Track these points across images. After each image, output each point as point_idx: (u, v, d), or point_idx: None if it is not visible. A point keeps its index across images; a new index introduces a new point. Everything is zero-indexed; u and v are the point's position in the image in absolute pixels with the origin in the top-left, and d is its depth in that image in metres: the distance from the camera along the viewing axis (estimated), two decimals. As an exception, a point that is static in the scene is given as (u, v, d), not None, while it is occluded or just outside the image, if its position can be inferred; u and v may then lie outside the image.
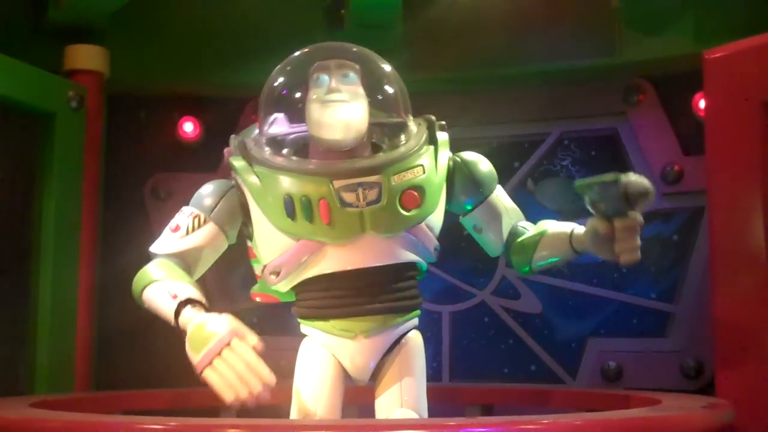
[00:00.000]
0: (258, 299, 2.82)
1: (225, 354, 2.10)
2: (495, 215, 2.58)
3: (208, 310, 2.24)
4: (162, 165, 4.29)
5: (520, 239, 2.56)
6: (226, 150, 2.52)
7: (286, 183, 2.35)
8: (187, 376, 4.02)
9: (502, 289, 4.13)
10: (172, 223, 2.44)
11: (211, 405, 3.69)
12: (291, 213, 2.33)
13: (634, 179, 2.23)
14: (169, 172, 4.26)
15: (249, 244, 2.53)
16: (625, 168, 4.00)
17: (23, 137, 3.70)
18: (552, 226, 2.54)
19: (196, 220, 2.40)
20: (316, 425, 2.16)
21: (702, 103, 3.56)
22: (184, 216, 2.43)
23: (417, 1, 4.01)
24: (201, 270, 2.46)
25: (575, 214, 4.14)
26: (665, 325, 3.91)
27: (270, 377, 2.11)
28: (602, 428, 2.18)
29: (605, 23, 3.89)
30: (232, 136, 2.53)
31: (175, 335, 4.07)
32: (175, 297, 2.24)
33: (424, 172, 2.40)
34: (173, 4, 4.14)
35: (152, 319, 4.10)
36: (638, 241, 2.28)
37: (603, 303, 4.06)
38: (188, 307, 2.23)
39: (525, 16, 3.96)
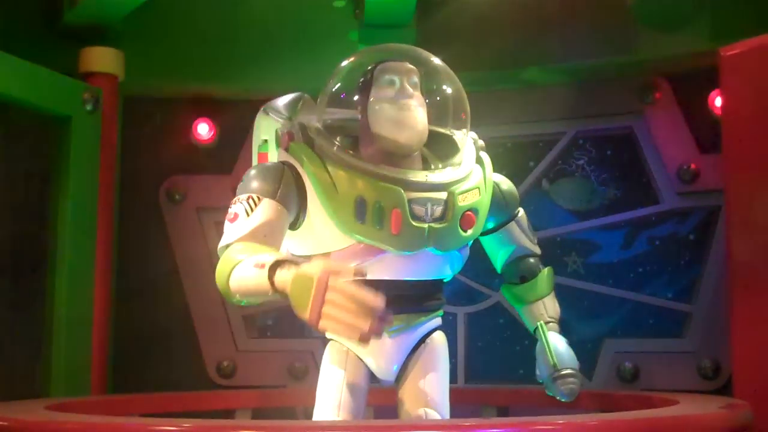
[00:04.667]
0: None
1: (329, 298, 1.93)
2: (508, 240, 2.73)
3: (299, 264, 2.04)
4: (177, 167, 4.29)
5: (512, 288, 2.81)
6: (286, 132, 2.46)
7: (361, 185, 2.30)
8: (202, 378, 4.09)
9: (518, 290, 4.10)
10: (228, 216, 2.32)
11: (225, 407, 3.73)
12: (362, 217, 2.29)
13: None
14: (184, 174, 4.27)
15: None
16: (642, 167, 4.00)
17: (39, 140, 3.72)
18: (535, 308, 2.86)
19: (251, 201, 2.29)
20: (338, 427, 2.14)
21: (719, 101, 3.53)
22: (236, 205, 2.31)
23: (431, 2, 3.99)
24: (277, 244, 2.31)
25: (590, 213, 4.17)
26: (682, 325, 3.88)
27: (377, 301, 1.92)
28: (619, 429, 2.17)
29: (621, 21, 3.87)
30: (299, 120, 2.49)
31: (190, 338, 4.12)
32: (262, 266, 2.06)
33: (480, 195, 2.44)
34: (187, 6, 4.14)
35: (168, 320, 4.15)
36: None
37: (619, 303, 4.03)
38: (278, 271, 2.03)
39: (540, 14, 3.94)
